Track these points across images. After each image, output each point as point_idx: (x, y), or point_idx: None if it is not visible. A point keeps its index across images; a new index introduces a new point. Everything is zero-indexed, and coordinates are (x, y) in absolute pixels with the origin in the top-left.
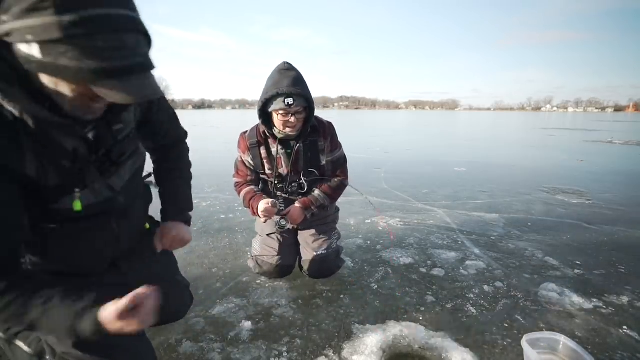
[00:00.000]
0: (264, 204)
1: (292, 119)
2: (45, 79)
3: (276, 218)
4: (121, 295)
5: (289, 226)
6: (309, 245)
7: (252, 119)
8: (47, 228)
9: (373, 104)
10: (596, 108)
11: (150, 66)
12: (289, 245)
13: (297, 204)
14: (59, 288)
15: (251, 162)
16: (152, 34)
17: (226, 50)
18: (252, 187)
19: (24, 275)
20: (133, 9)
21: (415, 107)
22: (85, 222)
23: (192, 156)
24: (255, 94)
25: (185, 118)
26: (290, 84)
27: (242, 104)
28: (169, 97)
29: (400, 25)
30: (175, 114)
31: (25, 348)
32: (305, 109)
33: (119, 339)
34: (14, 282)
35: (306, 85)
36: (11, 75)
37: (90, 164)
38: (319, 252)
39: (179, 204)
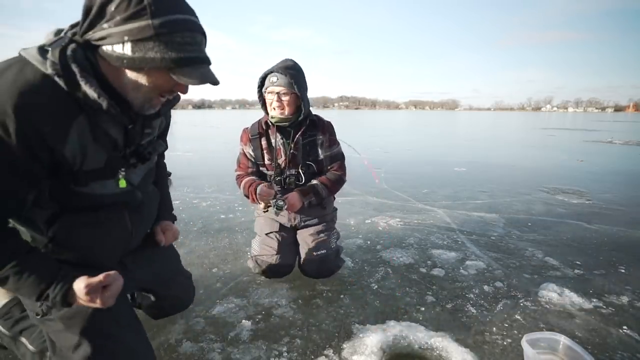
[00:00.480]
0: (261, 186)
1: (277, 100)
2: (130, 74)
3: (273, 200)
4: (128, 289)
5: (286, 207)
6: (308, 245)
7: (252, 119)
8: (68, 217)
9: (373, 104)
10: (596, 108)
11: (210, 61)
12: (288, 244)
13: (295, 191)
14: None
15: (252, 154)
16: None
17: (226, 50)
18: (252, 177)
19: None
20: (197, 16)
21: (415, 107)
22: (104, 213)
23: (192, 156)
24: (255, 94)
25: (185, 118)
26: (281, 67)
27: (242, 104)
28: None
29: (400, 25)
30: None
31: (29, 346)
32: (293, 95)
33: (118, 334)
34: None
35: (299, 74)
36: (91, 71)
37: (123, 156)
38: (318, 252)
39: (168, 206)
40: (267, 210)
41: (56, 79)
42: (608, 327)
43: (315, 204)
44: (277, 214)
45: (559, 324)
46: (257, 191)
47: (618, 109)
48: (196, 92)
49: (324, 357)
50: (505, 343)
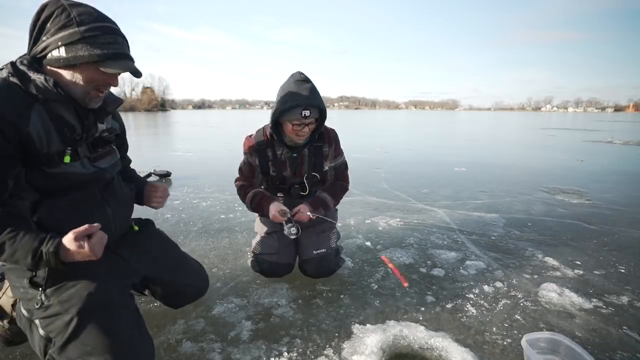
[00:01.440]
0: (274, 209)
1: (305, 129)
2: (65, 73)
3: (286, 227)
4: (128, 278)
5: (298, 235)
6: (308, 245)
7: (252, 119)
8: (47, 202)
9: (373, 104)
10: (596, 108)
11: (131, 57)
12: (288, 244)
13: (305, 204)
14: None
15: (257, 164)
16: (151, 32)
17: (226, 50)
18: (258, 189)
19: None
20: (117, 25)
21: (415, 107)
22: (79, 193)
23: (192, 156)
24: (256, 94)
25: (185, 118)
26: (308, 96)
27: (242, 104)
28: (169, 97)
29: (400, 25)
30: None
31: (41, 331)
32: (316, 120)
33: (112, 316)
34: None
35: (320, 96)
36: (36, 69)
37: (83, 141)
38: (318, 251)
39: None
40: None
41: (10, 78)
42: (608, 327)
43: (322, 214)
44: (289, 234)
45: (559, 324)
46: (270, 215)
47: (618, 109)
48: (197, 92)
49: (324, 357)
50: (505, 343)
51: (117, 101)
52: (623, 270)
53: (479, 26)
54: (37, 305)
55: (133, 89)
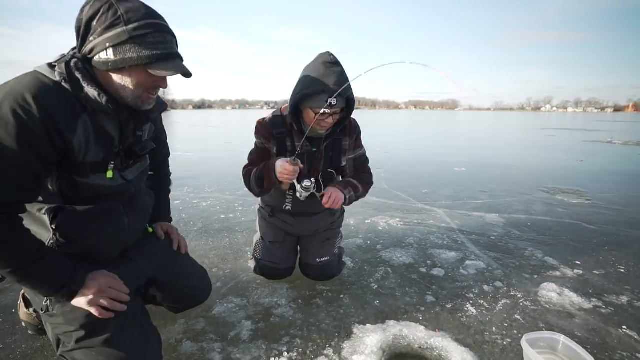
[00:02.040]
0: (281, 161)
1: (329, 119)
2: (115, 77)
3: (298, 187)
4: (136, 281)
5: (314, 187)
6: (312, 253)
7: (252, 119)
8: (69, 210)
9: (373, 104)
10: (596, 108)
11: (181, 56)
12: (290, 249)
13: (334, 188)
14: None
15: (274, 152)
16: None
17: (226, 51)
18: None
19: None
20: (165, 21)
21: (415, 107)
22: (101, 205)
23: (192, 156)
24: (256, 94)
25: (185, 118)
26: (337, 83)
27: (242, 104)
28: (169, 97)
29: (399, 25)
30: (166, 135)
31: (51, 332)
32: (342, 110)
33: (126, 329)
34: (25, 230)
35: (350, 84)
36: (90, 77)
37: (120, 154)
38: (322, 260)
39: (167, 210)
40: (288, 189)
41: (63, 83)
42: (608, 327)
43: (355, 199)
44: (303, 197)
45: (559, 324)
46: (277, 168)
47: (617, 109)
48: (197, 92)
49: (324, 357)
50: (505, 343)
51: (162, 106)
52: (623, 270)
53: (479, 26)
54: (42, 310)
55: None
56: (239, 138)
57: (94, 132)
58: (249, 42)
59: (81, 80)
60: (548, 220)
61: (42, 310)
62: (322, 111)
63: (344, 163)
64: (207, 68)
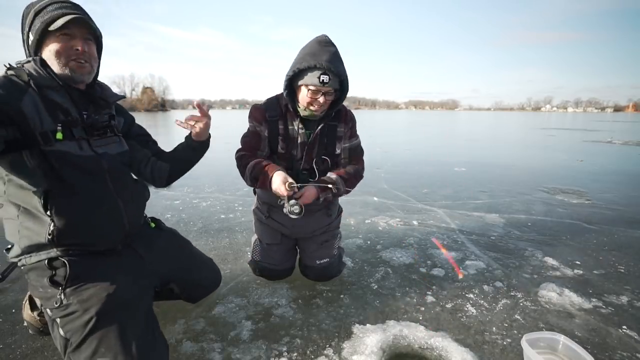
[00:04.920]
0: (279, 179)
1: (322, 99)
2: (44, 55)
3: (287, 205)
4: (147, 277)
5: (300, 215)
6: (311, 255)
7: None
8: (58, 193)
9: (373, 104)
10: (596, 108)
11: (80, 11)
12: (288, 250)
13: (312, 187)
14: None
15: (266, 135)
16: (150, 33)
17: (226, 51)
18: (263, 158)
19: None
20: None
21: (415, 107)
22: (86, 179)
23: None
24: (255, 94)
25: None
26: (329, 59)
27: (242, 104)
28: (169, 97)
29: (399, 25)
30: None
31: (61, 331)
32: (336, 91)
33: (135, 330)
34: None
35: (344, 66)
36: (34, 60)
37: (78, 123)
38: (321, 261)
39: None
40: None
41: (8, 72)
42: (608, 327)
43: (330, 200)
44: (292, 212)
45: (559, 324)
46: (274, 184)
47: (617, 109)
48: (197, 92)
49: (324, 357)
50: (505, 343)
51: (118, 95)
52: (622, 270)
53: (479, 26)
54: (56, 304)
55: (133, 89)
56: (239, 138)
57: (42, 103)
58: (248, 42)
59: (23, 64)
60: (548, 220)
61: (56, 303)
62: (310, 85)
63: (338, 150)
64: (207, 68)
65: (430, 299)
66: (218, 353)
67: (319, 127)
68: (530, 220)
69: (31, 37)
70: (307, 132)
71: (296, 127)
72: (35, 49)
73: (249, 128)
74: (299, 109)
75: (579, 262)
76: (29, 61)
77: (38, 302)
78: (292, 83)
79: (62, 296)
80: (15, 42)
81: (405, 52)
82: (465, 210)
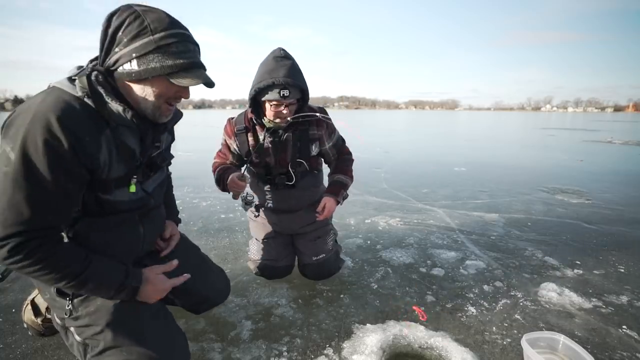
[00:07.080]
0: (232, 176)
1: (285, 110)
2: (136, 88)
3: (243, 194)
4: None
5: (256, 202)
6: (306, 252)
7: None
8: (90, 220)
9: (373, 104)
10: (596, 108)
11: (204, 65)
12: (285, 246)
13: (328, 195)
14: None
15: (237, 148)
16: None
17: (226, 51)
18: (228, 165)
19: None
20: (189, 31)
21: (415, 107)
22: (120, 217)
23: (192, 156)
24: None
25: (186, 118)
26: (287, 74)
27: (242, 104)
28: None
29: (400, 25)
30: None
31: (77, 337)
32: (298, 100)
33: (151, 327)
34: (66, 246)
35: (302, 75)
36: (112, 91)
37: (142, 167)
38: (317, 257)
39: (175, 209)
40: (236, 197)
41: (86, 99)
42: (608, 326)
43: (347, 195)
44: (245, 209)
45: (559, 324)
46: (228, 181)
47: (617, 109)
48: (197, 92)
49: (324, 356)
50: (505, 343)
51: (178, 115)
52: (622, 270)
53: (479, 26)
54: (66, 314)
55: None
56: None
57: (115, 147)
58: (248, 41)
59: (104, 95)
60: (548, 220)
61: (66, 314)
62: (273, 101)
63: (314, 153)
64: (207, 68)
65: (430, 298)
66: (218, 353)
67: (286, 135)
68: (530, 220)
69: (133, 66)
70: (275, 140)
71: (264, 137)
72: (135, 79)
73: (222, 140)
74: (264, 121)
75: (579, 262)
76: (113, 94)
77: (42, 307)
78: (255, 98)
79: (71, 306)
80: (16, 43)
81: (405, 52)
82: (465, 210)
